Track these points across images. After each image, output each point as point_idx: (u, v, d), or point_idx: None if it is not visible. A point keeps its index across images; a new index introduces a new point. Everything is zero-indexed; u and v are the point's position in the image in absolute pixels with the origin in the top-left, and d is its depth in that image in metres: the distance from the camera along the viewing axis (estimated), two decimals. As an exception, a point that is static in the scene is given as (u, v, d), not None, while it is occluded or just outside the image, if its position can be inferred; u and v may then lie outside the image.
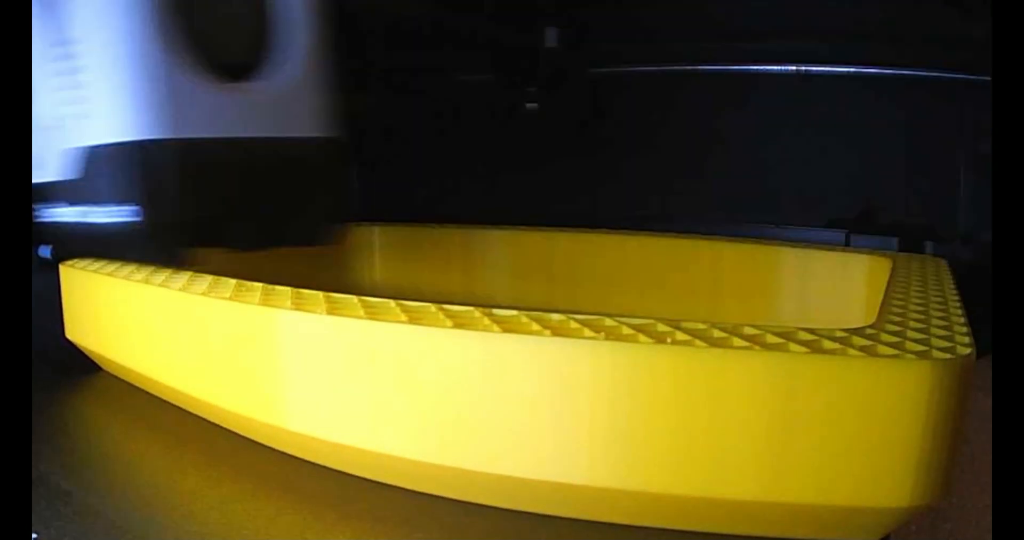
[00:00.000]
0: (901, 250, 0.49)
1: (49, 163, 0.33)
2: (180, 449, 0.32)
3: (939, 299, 0.30)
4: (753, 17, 0.56)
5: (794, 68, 0.55)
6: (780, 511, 0.23)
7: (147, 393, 0.38)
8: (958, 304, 0.29)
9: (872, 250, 0.44)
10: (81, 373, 0.41)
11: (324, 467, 0.30)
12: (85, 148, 0.31)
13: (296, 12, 0.33)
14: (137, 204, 0.32)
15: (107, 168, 0.31)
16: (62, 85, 0.31)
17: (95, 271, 0.38)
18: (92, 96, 0.30)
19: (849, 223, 0.53)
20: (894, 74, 0.52)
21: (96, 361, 0.41)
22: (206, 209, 0.33)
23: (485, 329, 0.25)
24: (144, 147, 0.30)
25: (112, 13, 0.29)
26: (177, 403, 0.36)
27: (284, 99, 0.33)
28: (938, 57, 0.50)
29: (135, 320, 0.36)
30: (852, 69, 0.53)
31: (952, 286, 0.33)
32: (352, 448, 0.27)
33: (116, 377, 0.40)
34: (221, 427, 0.33)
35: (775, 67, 0.55)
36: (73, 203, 0.34)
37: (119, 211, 0.32)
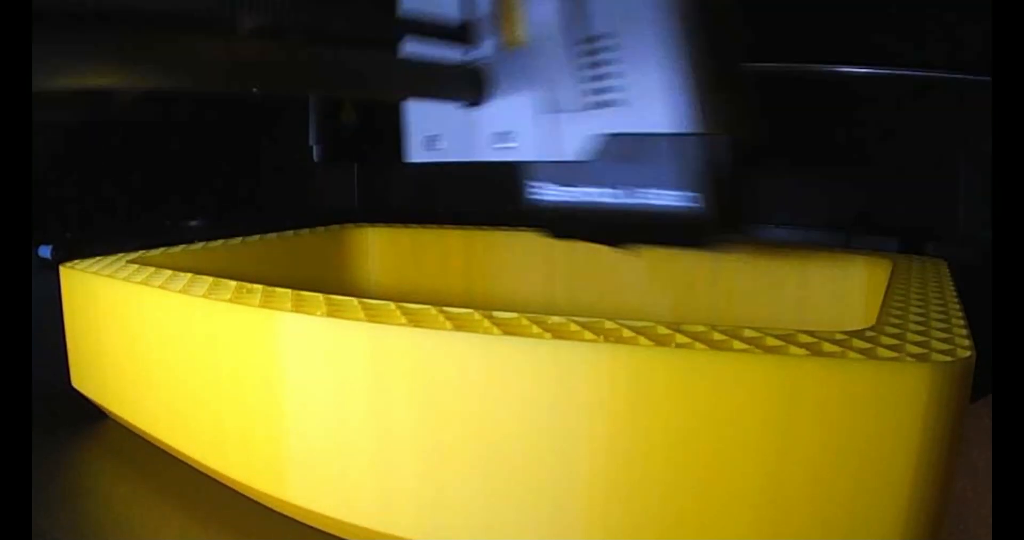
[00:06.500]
0: (901, 251, 0.49)
1: (567, 146, 0.34)
2: (190, 513, 0.32)
3: (939, 301, 0.30)
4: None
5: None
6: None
7: (152, 444, 0.38)
8: (958, 306, 0.29)
9: (872, 251, 0.44)
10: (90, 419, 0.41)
11: (334, 536, 0.29)
12: (619, 135, 0.33)
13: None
14: (695, 191, 0.32)
15: (660, 156, 0.32)
16: (586, 77, 0.33)
17: (95, 273, 0.38)
18: (628, 89, 0.32)
19: (849, 223, 0.53)
20: (895, 74, 0.52)
21: (102, 410, 0.41)
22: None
23: (485, 331, 0.25)
24: (698, 141, 0.32)
25: (643, 13, 0.30)
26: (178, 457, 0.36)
27: None
28: (940, 57, 0.50)
29: (136, 344, 0.36)
30: (850, 69, 0.53)
31: (952, 288, 0.33)
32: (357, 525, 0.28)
33: (121, 426, 0.40)
34: (224, 485, 0.33)
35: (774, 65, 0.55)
36: (578, 184, 0.35)
37: (667, 195, 0.33)
